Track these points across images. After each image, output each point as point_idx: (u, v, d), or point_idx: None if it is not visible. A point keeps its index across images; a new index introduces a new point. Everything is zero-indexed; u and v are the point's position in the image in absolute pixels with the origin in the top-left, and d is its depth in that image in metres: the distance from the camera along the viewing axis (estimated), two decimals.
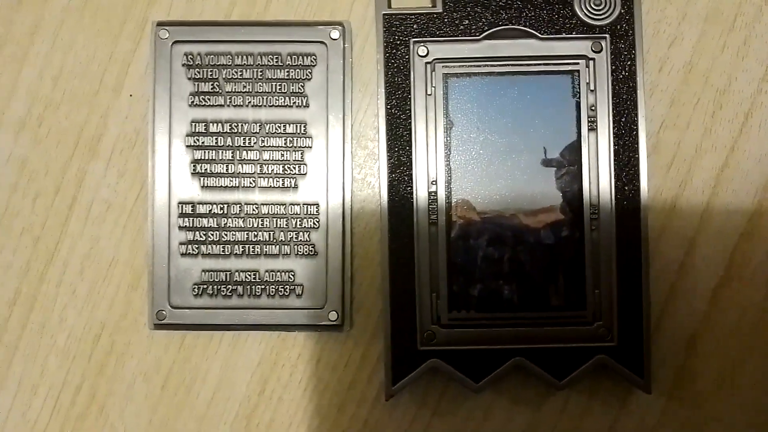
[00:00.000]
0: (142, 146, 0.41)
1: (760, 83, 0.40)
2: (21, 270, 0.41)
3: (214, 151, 0.40)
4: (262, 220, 0.40)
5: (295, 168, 0.40)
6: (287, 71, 0.40)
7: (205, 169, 0.40)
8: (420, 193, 0.39)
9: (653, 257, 0.39)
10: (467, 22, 0.39)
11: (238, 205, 0.40)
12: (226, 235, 0.40)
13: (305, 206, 0.40)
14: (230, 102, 0.40)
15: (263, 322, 0.40)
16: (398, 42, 0.39)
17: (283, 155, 0.40)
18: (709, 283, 0.40)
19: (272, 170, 0.40)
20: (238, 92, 0.40)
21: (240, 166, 0.40)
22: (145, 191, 0.40)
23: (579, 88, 0.39)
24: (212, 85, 0.40)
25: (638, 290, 0.38)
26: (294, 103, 0.40)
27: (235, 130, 0.40)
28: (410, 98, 0.39)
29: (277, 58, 0.40)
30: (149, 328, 0.40)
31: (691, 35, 0.41)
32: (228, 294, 0.40)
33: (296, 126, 0.40)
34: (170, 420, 0.41)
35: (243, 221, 0.40)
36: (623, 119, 0.39)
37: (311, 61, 0.40)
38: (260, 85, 0.40)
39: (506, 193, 0.39)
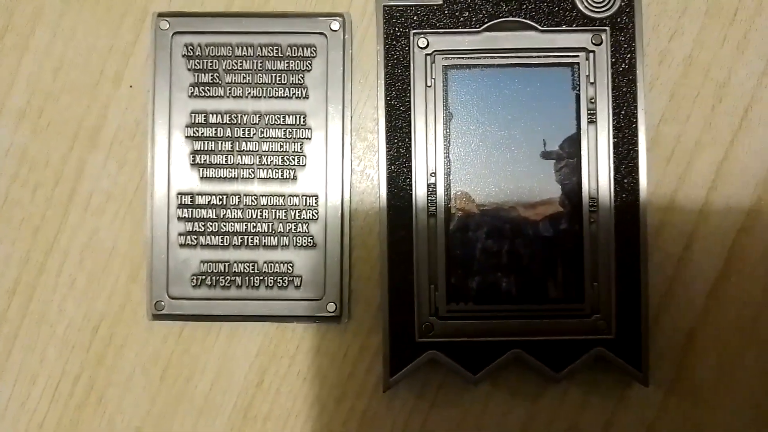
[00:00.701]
0: (141, 137, 0.41)
1: (760, 77, 0.40)
2: (20, 260, 0.41)
3: (213, 142, 0.40)
4: (261, 212, 0.40)
5: (294, 159, 0.40)
6: (287, 62, 0.40)
7: (205, 160, 0.40)
8: (419, 185, 0.39)
9: (652, 250, 0.39)
10: (467, 13, 0.39)
11: (237, 196, 0.40)
12: (225, 226, 0.40)
13: (304, 198, 0.40)
14: (230, 93, 0.40)
15: (262, 313, 0.40)
16: (398, 33, 0.39)
17: (282, 146, 0.40)
18: (708, 277, 0.40)
19: (271, 161, 0.40)
20: (237, 83, 0.40)
21: (239, 157, 0.40)
22: (145, 182, 0.41)
23: (579, 81, 0.39)
24: (212, 76, 0.40)
25: (637, 283, 0.38)
26: (294, 94, 0.40)
27: (235, 122, 0.40)
28: (410, 90, 0.39)
29: (277, 49, 0.40)
30: (148, 318, 0.40)
31: (692, 28, 0.41)
32: (227, 285, 0.40)
33: (296, 117, 0.40)
34: (168, 410, 0.41)
35: (242, 212, 0.40)
36: (623, 112, 0.39)
37: (311, 52, 0.40)
38: (260, 77, 0.40)
39: (505, 185, 0.39)
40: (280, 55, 0.40)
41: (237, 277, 0.40)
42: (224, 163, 0.40)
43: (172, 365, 0.41)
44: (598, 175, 0.39)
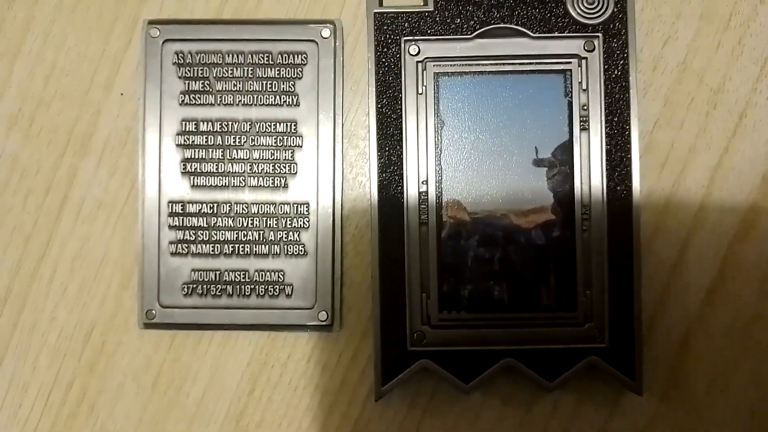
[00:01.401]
0: (132, 145, 0.41)
1: (754, 83, 0.40)
2: (12, 268, 0.41)
3: (204, 150, 0.40)
4: (252, 220, 0.40)
5: (285, 167, 0.40)
6: (278, 70, 0.40)
7: (195, 168, 0.40)
8: (411, 192, 0.39)
9: (645, 258, 0.39)
10: (459, 20, 0.39)
11: (228, 205, 0.40)
12: (215, 234, 0.40)
13: (295, 206, 0.40)
14: (221, 101, 0.40)
15: (253, 322, 0.40)
16: (389, 41, 0.39)
17: (273, 154, 0.40)
18: (703, 284, 0.40)
19: (262, 169, 0.40)
20: (228, 91, 0.40)
21: (230, 165, 0.40)
22: (136, 190, 0.40)
23: (571, 88, 0.39)
24: (203, 83, 0.40)
25: (630, 291, 0.38)
26: (284, 101, 0.40)
27: (226, 129, 0.40)
28: (401, 97, 0.39)
29: (267, 56, 0.40)
30: (139, 327, 0.40)
31: (686, 34, 0.40)
32: (218, 294, 0.40)
33: (287, 125, 0.40)
34: (160, 420, 0.41)
35: (233, 220, 0.40)
36: (616, 119, 0.39)
37: (302, 59, 0.40)
38: (251, 84, 0.40)
39: (497, 193, 0.39)
40: (270, 62, 0.40)
41: (228, 286, 0.40)
42: (215, 171, 0.40)
43: (163, 374, 0.41)
44: (590, 182, 0.38)
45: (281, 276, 0.39)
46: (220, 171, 0.40)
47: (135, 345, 0.41)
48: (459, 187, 0.39)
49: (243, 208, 0.40)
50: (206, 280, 0.40)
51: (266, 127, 0.40)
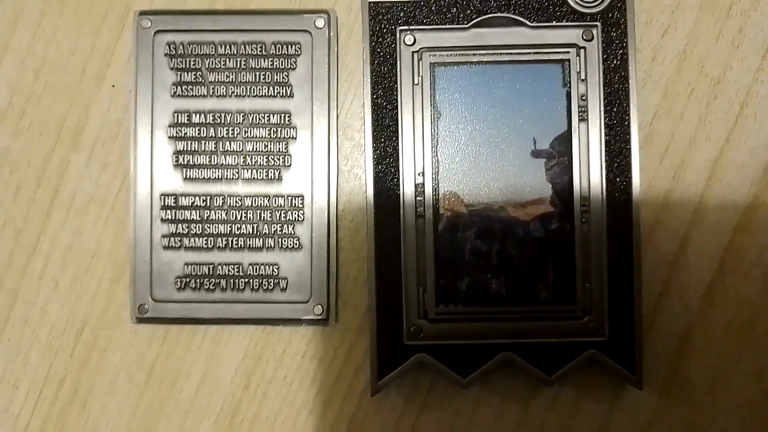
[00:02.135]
0: (124, 137, 0.40)
1: (755, 73, 0.40)
2: (3, 263, 0.41)
3: (196, 142, 0.39)
4: (245, 213, 0.39)
5: (279, 159, 0.39)
6: (271, 61, 0.39)
7: (188, 161, 0.39)
8: (407, 185, 0.38)
9: (645, 251, 0.39)
10: (455, 9, 0.38)
11: (221, 197, 0.39)
12: (209, 227, 0.39)
13: (290, 198, 0.39)
14: (213, 92, 0.39)
15: (247, 316, 0.39)
16: (384, 30, 0.38)
17: (266, 146, 0.39)
18: (703, 277, 0.39)
19: (256, 161, 0.39)
20: (221, 82, 0.39)
21: (223, 157, 0.39)
22: (128, 183, 0.40)
23: (569, 78, 0.38)
24: (195, 75, 0.39)
25: (630, 284, 0.38)
26: (278, 93, 0.39)
27: (218, 121, 0.39)
28: (397, 88, 0.38)
29: (260, 47, 0.39)
30: (132, 322, 0.40)
31: (685, 23, 0.40)
32: (211, 287, 0.39)
33: (280, 116, 0.39)
34: (153, 415, 0.40)
35: (226, 213, 0.39)
36: (615, 109, 0.38)
37: (296, 50, 0.39)
38: (244, 75, 0.39)
39: (495, 185, 0.38)
40: (264, 53, 0.39)
41: (222, 280, 0.39)
42: (208, 163, 0.39)
43: (156, 369, 0.40)
44: (589, 173, 0.38)
45: (276, 269, 0.39)
46: (213, 163, 0.39)
47: (127, 340, 0.40)
48: (456, 179, 0.38)
49: (236, 201, 0.39)
50: (200, 273, 0.39)
51: (260, 119, 0.39)
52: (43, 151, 0.41)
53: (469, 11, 0.38)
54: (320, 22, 0.39)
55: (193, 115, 0.39)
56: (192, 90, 0.39)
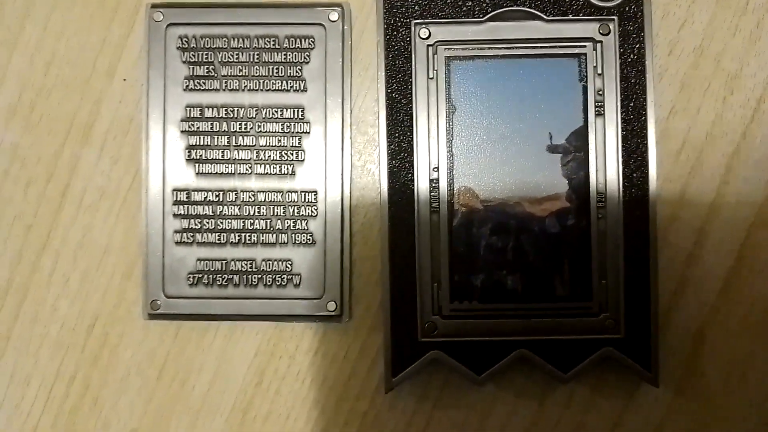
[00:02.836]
0: (135, 132, 0.40)
1: None
2: (13, 259, 0.40)
3: (209, 137, 0.39)
4: (258, 208, 0.39)
5: (292, 154, 0.39)
6: (284, 54, 0.39)
7: (200, 156, 0.39)
8: (421, 180, 0.38)
9: (662, 247, 0.38)
10: (471, 3, 0.38)
11: (234, 193, 0.39)
12: (221, 223, 0.39)
13: (303, 194, 0.39)
14: (226, 86, 0.39)
15: (260, 313, 0.39)
16: (399, 24, 0.38)
17: (280, 141, 0.39)
18: (720, 274, 0.39)
19: (269, 156, 0.39)
20: (234, 76, 0.39)
21: (236, 152, 0.39)
22: (139, 178, 0.40)
23: (586, 72, 0.38)
24: (207, 68, 0.39)
25: (646, 281, 0.37)
26: (291, 87, 0.39)
27: (231, 115, 0.39)
28: (411, 82, 0.38)
29: (274, 40, 0.39)
30: (143, 318, 0.39)
31: (702, 18, 0.39)
32: (224, 283, 0.39)
33: (294, 111, 0.39)
34: (165, 412, 0.40)
35: (239, 209, 0.39)
36: (631, 104, 0.38)
37: (309, 43, 0.39)
38: (257, 69, 0.39)
39: (510, 180, 0.38)
40: (277, 46, 0.39)
41: (234, 276, 0.39)
42: (220, 158, 0.39)
43: (168, 365, 0.40)
44: (606, 169, 0.38)
45: (289, 265, 0.39)
46: (225, 158, 0.39)
47: (139, 336, 0.40)
48: (471, 175, 0.38)
49: (249, 196, 0.39)
50: (212, 269, 0.39)
51: (273, 113, 0.39)
52: (53, 146, 0.40)
53: (484, 4, 0.38)
54: (334, 16, 0.39)
55: (206, 109, 0.39)
56: (204, 84, 0.39)
